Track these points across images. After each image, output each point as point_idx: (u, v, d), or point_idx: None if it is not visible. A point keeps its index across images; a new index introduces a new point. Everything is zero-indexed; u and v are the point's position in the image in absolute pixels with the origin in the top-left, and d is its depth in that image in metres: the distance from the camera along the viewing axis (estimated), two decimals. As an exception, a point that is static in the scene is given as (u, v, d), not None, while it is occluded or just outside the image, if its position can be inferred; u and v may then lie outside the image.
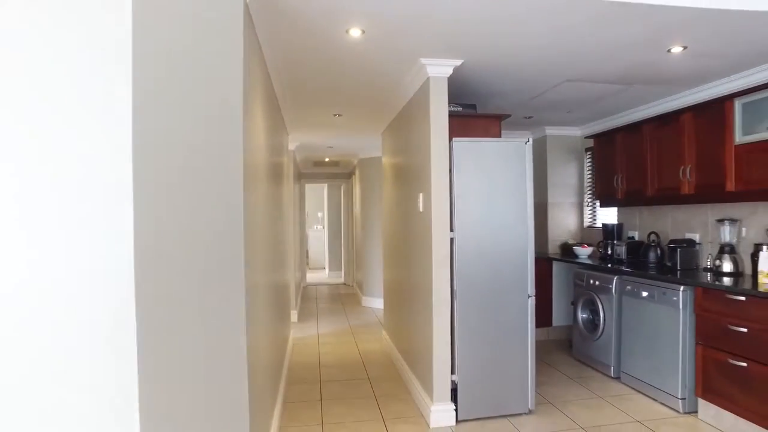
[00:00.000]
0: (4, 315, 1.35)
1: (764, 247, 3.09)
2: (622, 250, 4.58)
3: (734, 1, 2.29)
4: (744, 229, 3.48)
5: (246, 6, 2.07)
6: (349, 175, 9.89)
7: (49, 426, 1.18)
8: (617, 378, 3.96)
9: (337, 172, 10.17)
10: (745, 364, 2.80)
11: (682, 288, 3.27)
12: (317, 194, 12.11)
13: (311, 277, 10.97)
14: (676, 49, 2.90)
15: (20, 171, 1.38)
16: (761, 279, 2.96)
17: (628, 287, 3.82)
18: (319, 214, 12.44)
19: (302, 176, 9.53)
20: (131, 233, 1.46)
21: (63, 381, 1.28)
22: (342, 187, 10.54)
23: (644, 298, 3.62)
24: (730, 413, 2.92)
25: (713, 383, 3.04)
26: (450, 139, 3.22)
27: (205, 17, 1.83)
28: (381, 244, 6.60)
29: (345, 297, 8.46)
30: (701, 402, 3.17)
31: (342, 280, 10.35)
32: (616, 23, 2.51)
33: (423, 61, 3.05)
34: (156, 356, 1.56)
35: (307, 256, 11.71)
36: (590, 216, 5.59)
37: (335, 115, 4.67)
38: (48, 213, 1.40)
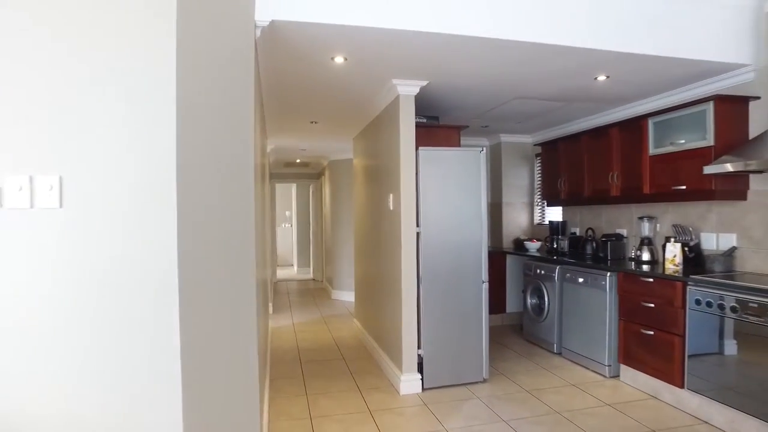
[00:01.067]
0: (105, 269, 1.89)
1: (672, 240, 3.78)
2: (565, 243, 5.26)
3: (635, 47, 2.93)
4: (658, 225, 4.18)
5: (255, 41, 2.54)
6: (319, 176, 10.33)
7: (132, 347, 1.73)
8: (559, 353, 4.60)
9: (306, 173, 10.60)
10: (652, 333, 3.47)
11: (608, 274, 3.93)
12: (285, 193, 12.48)
13: (280, 273, 11.35)
14: (602, 78, 3.54)
15: (106, 177, 1.92)
16: (667, 265, 3.64)
17: (568, 275, 4.46)
18: (287, 213, 12.81)
19: (272, 176, 9.92)
20: (175, 227, 2.04)
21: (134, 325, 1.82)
22: (310, 187, 10.96)
23: (580, 283, 4.28)
24: (643, 373, 3.60)
25: (631, 350, 3.71)
26: (417, 148, 3.77)
27: (227, 52, 2.34)
28: (352, 239, 7.11)
29: (315, 291, 8.92)
30: (622, 367, 3.84)
31: (311, 275, 10.78)
32: (552, 58, 3.11)
33: (394, 81, 3.58)
34: (193, 321, 2.15)
35: (276, 253, 12.07)
36: (539, 214, 6.27)
37: (312, 122, 5.15)
38: (121, 210, 1.98)
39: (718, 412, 3.01)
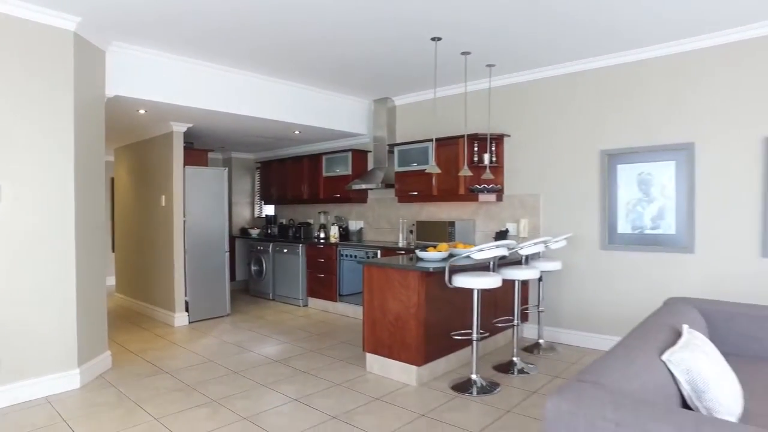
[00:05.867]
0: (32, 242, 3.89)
1: (334, 224, 6.76)
2: (276, 229, 7.87)
3: (312, 122, 5.70)
4: (329, 216, 7.17)
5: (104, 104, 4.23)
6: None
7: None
8: (274, 299, 7.16)
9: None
10: (323, 276, 6.36)
11: (300, 245, 6.67)
12: None
13: None
14: (297, 132, 6.23)
15: (26, 181, 3.98)
16: (331, 239, 6.57)
17: (278, 248, 7.06)
18: None
19: None
20: (73, 210, 4.23)
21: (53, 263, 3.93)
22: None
23: (285, 253, 6.92)
24: (320, 299, 6.46)
25: (313, 288, 6.53)
26: (184, 165, 5.74)
27: (92, 111, 4.16)
28: (115, 231, 8.24)
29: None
30: (310, 299, 6.64)
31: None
32: (269, 123, 5.59)
33: (171, 122, 5.50)
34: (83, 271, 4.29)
35: None
36: (259, 210, 8.77)
37: (81, 135, 6.40)
38: (39, 203, 4.14)
39: (349, 309, 6.04)
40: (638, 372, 1.87)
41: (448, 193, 5.36)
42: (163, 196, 5.83)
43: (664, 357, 2.04)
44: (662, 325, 2.47)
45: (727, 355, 2.82)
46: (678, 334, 2.31)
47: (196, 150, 6.32)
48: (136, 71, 4.36)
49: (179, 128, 5.63)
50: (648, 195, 4.41)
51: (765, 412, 1.99)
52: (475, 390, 3.56)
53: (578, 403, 1.54)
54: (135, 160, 6.61)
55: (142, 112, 4.92)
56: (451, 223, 5.35)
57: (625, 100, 4.47)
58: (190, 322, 5.77)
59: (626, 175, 4.52)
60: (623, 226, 4.53)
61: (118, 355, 4.49)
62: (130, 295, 6.79)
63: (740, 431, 1.26)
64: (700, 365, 2.02)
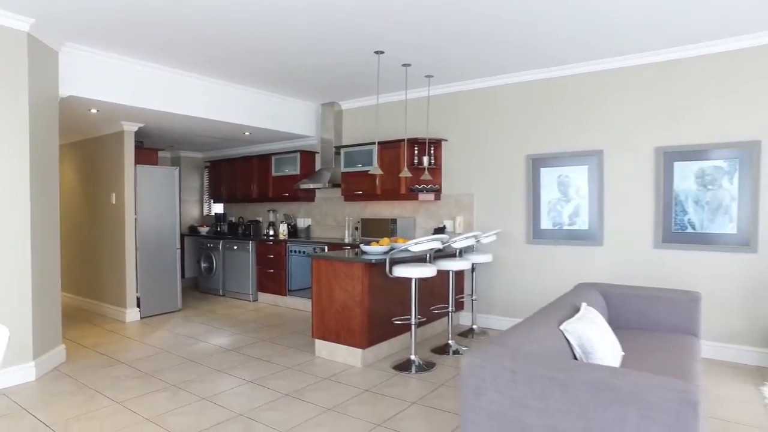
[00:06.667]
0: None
1: (283, 222, 7.03)
2: (225, 227, 8.03)
3: (263, 124, 5.96)
4: (278, 214, 7.43)
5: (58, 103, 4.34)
6: None
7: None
8: (224, 295, 7.34)
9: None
10: (273, 271, 6.62)
11: (250, 242, 6.90)
12: None
13: None
14: (247, 133, 6.46)
15: None
16: (280, 236, 6.84)
17: (228, 246, 7.25)
18: None
19: None
20: (29, 211, 4.42)
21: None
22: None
23: (235, 250, 7.12)
24: (270, 294, 6.72)
25: (263, 283, 6.78)
26: (135, 164, 5.84)
27: (46, 110, 4.29)
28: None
29: None
30: (260, 294, 6.88)
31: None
32: (221, 124, 5.80)
33: (122, 122, 5.61)
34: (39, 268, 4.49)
35: None
36: (208, 208, 8.88)
37: (25, 132, 6.35)
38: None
39: (298, 302, 6.35)
40: (538, 338, 2.33)
41: (391, 193, 5.78)
42: (114, 194, 5.90)
43: (561, 327, 2.52)
44: (566, 304, 2.97)
45: (621, 327, 3.39)
46: (577, 310, 2.81)
47: (146, 149, 6.41)
48: (89, 72, 4.49)
49: (130, 127, 5.73)
50: (566, 195, 5.00)
51: (635, 368, 2.51)
52: (414, 368, 3.98)
53: (485, 358, 1.98)
54: (82, 157, 6.60)
55: (94, 111, 5.03)
56: (393, 221, 5.77)
57: (546, 110, 5.04)
58: (141, 318, 5.88)
59: (548, 177, 5.09)
60: (545, 223, 5.11)
61: (71, 350, 4.61)
62: (77, 292, 6.78)
63: (590, 368, 1.72)
64: (590, 333, 2.51)
